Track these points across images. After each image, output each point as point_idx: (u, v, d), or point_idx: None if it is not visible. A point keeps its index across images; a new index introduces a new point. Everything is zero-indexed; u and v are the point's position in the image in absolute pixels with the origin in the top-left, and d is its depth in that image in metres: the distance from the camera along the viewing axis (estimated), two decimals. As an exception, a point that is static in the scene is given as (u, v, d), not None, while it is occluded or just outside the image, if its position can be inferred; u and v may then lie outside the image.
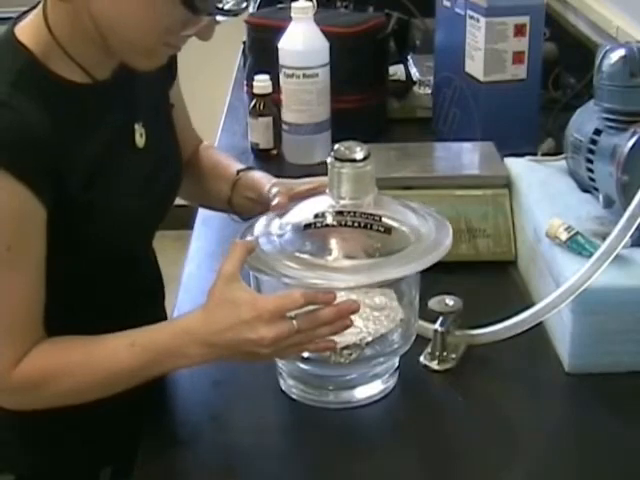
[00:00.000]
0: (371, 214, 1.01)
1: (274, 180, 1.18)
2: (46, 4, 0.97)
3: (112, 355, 0.95)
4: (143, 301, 1.15)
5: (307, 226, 1.01)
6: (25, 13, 1.00)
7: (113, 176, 1.02)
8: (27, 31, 0.97)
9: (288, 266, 0.96)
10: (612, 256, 0.97)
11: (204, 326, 0.93)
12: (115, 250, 1.04)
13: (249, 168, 1.25)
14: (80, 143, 0.97)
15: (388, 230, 1.00)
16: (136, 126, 1.07)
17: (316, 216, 1.02)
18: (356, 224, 1.00)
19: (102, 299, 1.08)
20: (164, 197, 1.13)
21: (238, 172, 1.23)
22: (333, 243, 1.02)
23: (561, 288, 0.99)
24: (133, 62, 1.00)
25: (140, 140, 1.07)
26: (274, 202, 1.09)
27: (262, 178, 1.20)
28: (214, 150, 1.35)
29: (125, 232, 1.04)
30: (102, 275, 1.06)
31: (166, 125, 1.16)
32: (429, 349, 1.09)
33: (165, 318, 1.19)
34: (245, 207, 1.21)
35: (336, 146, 1.03)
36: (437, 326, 1.08)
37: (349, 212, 1.00)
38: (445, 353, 1.08)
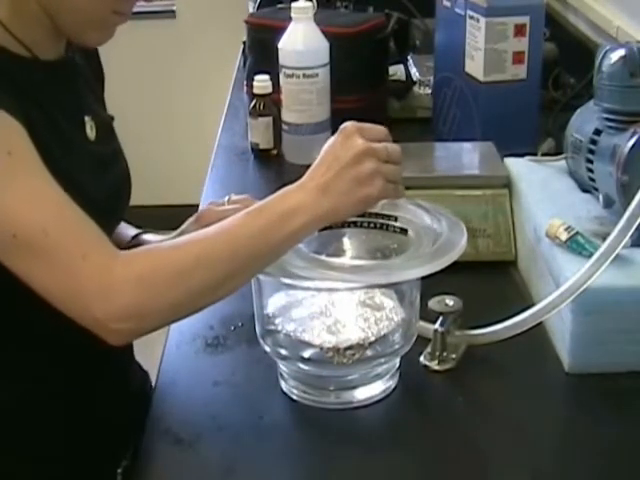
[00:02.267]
0: (387, 215, 1.01)
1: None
2: None
3: (228, 225, 0.92)
4: None
5: (324, 227, 1.00)
6: None
7: (68, 160, 1.00)
8: None
9: (300, 267, 0.96)
10: (612, 256, 0.97)
11: (313, 177, 0.93)
12: None
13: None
14: (33, 116, 0.95)
15: (404, 231, 1.01)
16: (86, 118, 1.07)
17: None
18: (372, 225, 1.00)
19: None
20: (118, 192, 1.12)
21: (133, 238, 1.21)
22: (349, 244, 1.02)
23: (561, 288, 0.99)
24: (84, 37, 1.01)
25: (91, 133, 1.08)
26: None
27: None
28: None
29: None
30: None
31: (109, 126, 1.15)
32: (429, 349, 1.09)
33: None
34: None
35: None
36: (437, 326, 1.08)
37: (364, 213, 1.00)
38: (445, 353, 1.08)
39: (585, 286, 0.98)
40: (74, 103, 1.07)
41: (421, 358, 1.08)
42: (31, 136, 0.92)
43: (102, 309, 0.87)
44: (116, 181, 1.12)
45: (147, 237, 1.22)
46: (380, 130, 0.97)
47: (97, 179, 1.05)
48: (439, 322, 1.08)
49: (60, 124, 1.01)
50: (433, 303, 1.08)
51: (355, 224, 1.02)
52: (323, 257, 0.99)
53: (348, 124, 0.96)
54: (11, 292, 0.92)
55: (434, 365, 1.08)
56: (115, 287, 0.87)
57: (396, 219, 1.02)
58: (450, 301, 1.09)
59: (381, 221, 1.01)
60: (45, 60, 1.02)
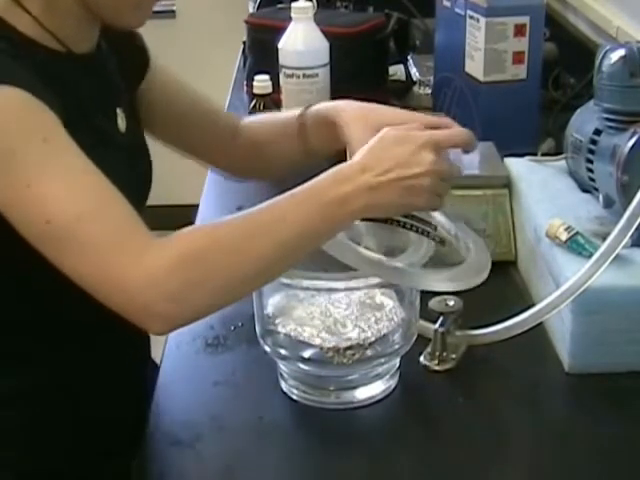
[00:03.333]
0: (428, 222, 1.01)
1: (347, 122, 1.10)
2: None
3: (272, 209, 0.90)
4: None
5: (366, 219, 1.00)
6: None
7: (101, 152, 0.98)
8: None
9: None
10: (612, 256, 0.97)
11: (367, 168, 0.91)
12: None
13: (310, 105, 1.19)
14: (68, 110, 0.95)
15: (442, 242, 1.01)
16: (118, 110, 1.07)
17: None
18: (414, 228, 1.00)
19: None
20: (142, 184, 1.12)
21: (299, 117, 1.19)
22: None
23: (561, 288, 0.99)
24: (121, 19, 0.99)
25: (122, 124, 1.08)
26: None
27: (328, 115, 1.14)
28: (260, 116, 1.32)
29: None
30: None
31: (138, 119, 1.15)
32: (429, 349, 1.09)
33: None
34: (323, 148, 1.18)
35: None
36: (437, 326, 1.08)
37: (407, 215, 1.00)
38: (445, 353, 1.08)
39: (585, 286, 0.98)
40: (106, 95, 1.06)
41: (421, 358, 1.08)
42: (66, 128, 0.92)
43: (142, 296, 0.85)
44: (141, 173, 1.12)
45: (315, 114, 1.17)
46: (462, 136, 0.99)
47: (125, 171, 1.04)
48: (439, 322, 1.08)
49: (94, 117, 1.01)
50: (433, 303, 1.08)
51: (398, 223, 0.99)
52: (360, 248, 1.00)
53: (429, 136, 0.94)
54: (26, 281, 0.92)
55: (434, 365, 1.08)
56: (154, 273, 0.85)
57: (436, 228, 1.01)
58: (450, 301, 1.09)
59: (423, 227, 1.00)
60: (79, 53, 1.02)
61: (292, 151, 1.21)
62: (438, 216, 1.05)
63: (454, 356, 1.08)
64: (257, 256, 0.88)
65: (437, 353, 1.08)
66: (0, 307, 1.02)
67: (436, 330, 1.08)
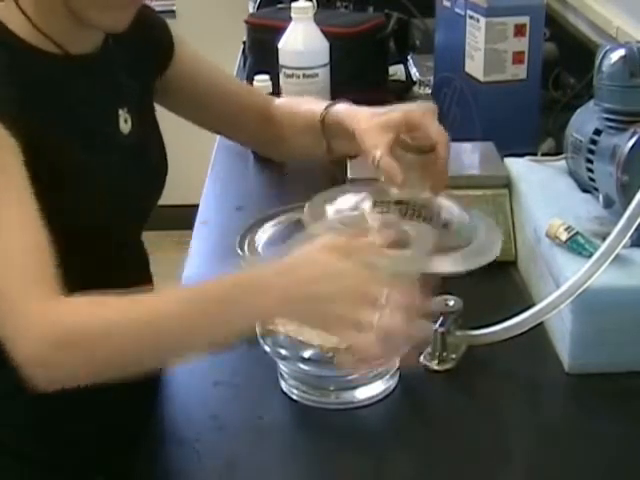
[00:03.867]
0: (429, 207, 1.01)
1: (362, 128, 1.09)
2: None
3: (181, 319, 0.84)
4: None
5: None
6: None
7: (95, 158, 0.99)
8: None
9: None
10: (612, 256, 0.97)
11: (281, 274, 0.84)
12: (99, 240, 1.01)
13: (331, 105, 1.18)
14: (59, 113, 0.96)
15: (445, 225, 1.00)
16: (120, 111, 1.06)
17: (375, 204, 1.03)
18: (416, 214, 0.99)
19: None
20: (147, 188, 1.11)
21: (321, 118, 1.17)
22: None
23: (561, 288, 0.99)
24: (94, 18, 0.97)
25: (125, 126, 1.06)
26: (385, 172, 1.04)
27: (345, 120, 1.13)
28: (289, 103, 1.31)
29: (100, 216, 1.01)
30: (87, 267, 0.99)
31: (150, 115, 1.14)
32: (429, 349, 1.09)
33: None
34: (345, 149, 1.18)
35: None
36: (437, 326, 1.08)
37: (408, 202, 1.00)
38: (445, 353, 1.08)
39: (585, 286, 0.98)
40: (107, 97, 1.05)
41: (421, 358, 1.08)
42: (44, 139, 0.91)
43: (18, 352, 0.82)
44: (149, 171, 1.11)
45: (335, 116, 1.16)
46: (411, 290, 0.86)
47: (127, 172, 1.04)
48: (439, 322, 1.08)
49: (88, 120, 1.00)
50: (434, 303, 1.08)
51: (400, 213, 0.99)
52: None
53: (344, 245, 0.85)
54: None
55: (434, 365, 1.08)
56: (25, 334, 0.82)
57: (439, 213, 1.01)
58: (451, 301, 1.09)
59: (425, 212, 1.00)
60: (77, 54, 1.01)
61: (315, 147, 1.21)
62: (444, 200, 1.05)
63: (454, 356, 1.08)
64: (148, 358, 0.86)
65: (437, 353, 1.08)
66: None
67: (436, 330, 1.08)
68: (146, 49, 1.13)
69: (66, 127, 0.96)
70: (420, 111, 1.08)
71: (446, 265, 0.97)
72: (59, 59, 0.99)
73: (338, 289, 0.83)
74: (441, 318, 1.08)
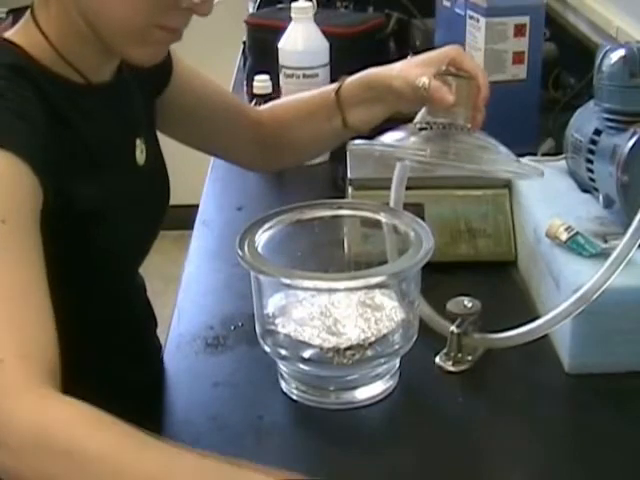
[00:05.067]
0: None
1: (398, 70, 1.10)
2: (33, 5, 0.94)
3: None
4: (134, 332, 1.12)
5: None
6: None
7: (112, 192, 0.97)
8: (16, 33, 0.94)
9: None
10: (627, 258, 0.94)
11: None
12: (106, 274, 1.00)
13: (344, 78, 1.18)
14: (80, 145, 0.94)
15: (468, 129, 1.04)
16: (137, 141, 1.04)
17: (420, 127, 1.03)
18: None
19: (93, 331, 1.00)
20: (156, 217, 1.11)
21: (336, 91, 1.16)
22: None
23: (577, 294, 0.96)
24: (129, 53, 0.94)
25: (141, 157, 1.05)
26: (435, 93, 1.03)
27: (369, 75, 1.13)
28: (286, 99, 1.29)
29: (117, 254, 1.00)
30: (94, 305, 0.99)
31: (156, 139, 1.13)
32: (445, 350, 1.08)
33: (159, 347, 1.18)
34: (364, 117, 1.16)
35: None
36: (453, 327, 1.07)
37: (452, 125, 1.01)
38: (460, 354, 1.08)
39: (601, 290, 0.96)
40: (126, 127, 1.03)
41: (437, 359, 1.08)
42: (62, 173, 0.88)
43: None
44: (157, 199, 1.10)
45: (351, 82, 1.15)
46: None
47: (139, 203, 1.02)
48: (456, 323, 1.08)
49: (106, 153, 0.98)
50: (451, 304, 1.08)
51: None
52: None
53: None
54: None
55: (449, 366, 1.07)
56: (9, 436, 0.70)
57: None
58: (469, 303, 1.08)
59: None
60: (98, 83, 0.98)
61: (323, 129, 1.19)
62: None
63: (470, 358, 1.08)
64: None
65: (452, 354, 1.08)
66: None
67: (452, 331, 1.07)
68: (149, 70, 1.12)
69: (84, 159, 0.94)
70: (452, 50, 1.07)
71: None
72: (80, 88, 0.96)
73: None
74: (458, 319, 1.08)
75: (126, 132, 1.04)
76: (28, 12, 0.95)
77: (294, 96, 1.26)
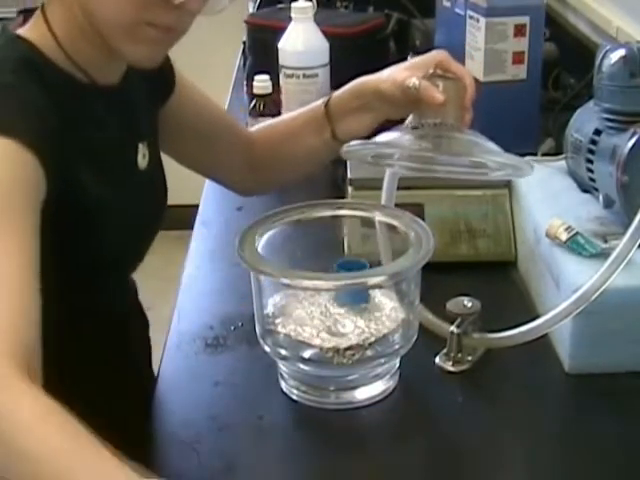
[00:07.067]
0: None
1: (385, 77, 1.11)
2: (44, 4, 0.96)
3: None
4: (125, 334, 1.13)
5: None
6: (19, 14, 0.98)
7: (110, 192, 0.98)
8: (27, 30, 0.96)
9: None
10: (628, 257, 0.94)
11: None
12: (96, 274, 1.01)
13: (333, 91, 1.19)
14: (83, 144, 0.95)
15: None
16: (140, 146, 1.05)
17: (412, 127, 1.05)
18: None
19: (82, 332, 1.02)
20: (151, 223, 1.11)
21: (325, 104, 1.17)
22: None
23: (577, 293, 0.97)
24: (122, 50, 0.94)
25: (142, 161, 1.05)
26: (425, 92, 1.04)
27: (357, 84, 1.15)
28: (274, 121, 1.29)
29: (106, 255, 1.01)
30: (82, 303, 1.00)
31: (158, 147, 1.13)
32: (445, 350, 1.08)
33: (149, 347, 1.19)
34: (353, 127, 1.16)
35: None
36: (453, 327, 1.07)
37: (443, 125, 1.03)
38: (460, 355, 1.08)
39: (601, 290, 0.96)
40: (129, 131, 1.03)
41: (436, 359, 1.08)
42: (65, 166, 0.88)
43: None
44: (155, 205, 1.10)
45: (339, 93, 1.17)
46: None
47: (138, 207, 1.03)
48: (456, 323, 1.08)
49: (107, 153, 0.98)
50: (451, 304, 1.08)
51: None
52: None
53: None
54: None
55: (449, 366, 1.07)
56: None
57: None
58: (469, 303, 1.08)
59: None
60: (104, 84, 0.99)
61: (313, 144, 1.19)
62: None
63: (470, 358, 1.08)
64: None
65: (452, 354, 1.07)
66: None
67: (452, 332, 1.07)
68: (154, 78, 1.10)
69: (85, 159, 0.94)
70: (438, 54, 1.10)
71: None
72: (86, 88, 0.97)
73: None
74: (458, 319, 1.08)
75: (129, 136, 1.04)
76: (39, 10, 0.96)
77: (286, 114, 1.27)
